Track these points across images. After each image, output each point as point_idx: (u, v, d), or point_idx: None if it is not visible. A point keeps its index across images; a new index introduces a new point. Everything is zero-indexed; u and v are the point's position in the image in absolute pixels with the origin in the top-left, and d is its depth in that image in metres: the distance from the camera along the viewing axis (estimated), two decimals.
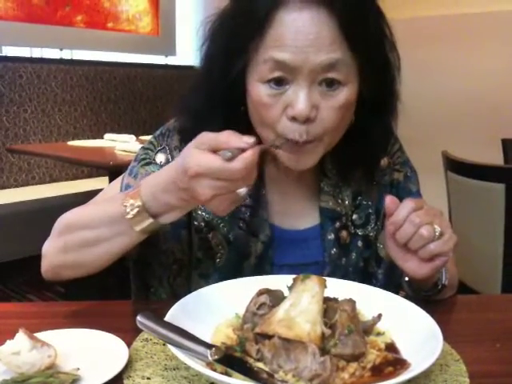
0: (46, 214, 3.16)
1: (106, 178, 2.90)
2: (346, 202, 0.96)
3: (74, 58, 3.70)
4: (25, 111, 3.35)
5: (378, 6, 0.85)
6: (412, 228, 0.76)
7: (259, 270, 0.92)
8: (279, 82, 0.80)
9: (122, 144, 2.76)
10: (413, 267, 0.79)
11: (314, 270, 0.94)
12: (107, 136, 3.12)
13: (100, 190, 3.23)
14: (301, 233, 0.97)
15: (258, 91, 0.82)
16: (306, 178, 0.98)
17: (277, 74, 0.80)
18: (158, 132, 0.98)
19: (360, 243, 0.96)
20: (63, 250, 0.87)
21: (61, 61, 3.59)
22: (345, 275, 0.94)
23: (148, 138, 3.21)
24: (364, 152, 0.94)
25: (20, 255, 3.05)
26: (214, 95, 0.89)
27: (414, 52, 3.59)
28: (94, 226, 0.82)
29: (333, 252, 0.94)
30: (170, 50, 4.28)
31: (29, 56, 3.50)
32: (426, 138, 3.46)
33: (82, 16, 3.79)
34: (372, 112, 0.89)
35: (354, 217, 0.97)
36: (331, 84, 0.80)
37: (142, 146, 1.00)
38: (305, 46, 0.77)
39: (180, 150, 0.91)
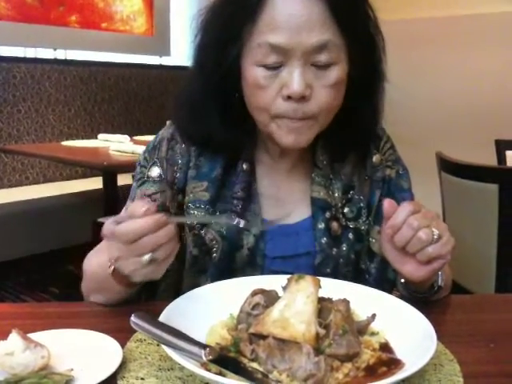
0: (39, 214, 3.17)
1: (100, 179, 2.90)
2: (336, 194, 0.98)
3: (68, 58, 3.68)
4: (18, 111, 3.34)
5: None
6: (410, 231, 0.76)
7: (251, 262, 0.94)
8: (274, 65, 0.83)
9: (116, 144, 2.76)
10: (411, 270, 0.80)
11: (306, 260, 0.96)
12: (101, 136, 3.11)
13: (94, 191, 3.24)
14: (293, 225, 0.98)
15: (255, 74, 0.85)
16: (297, 170, 0.99)
17: (272, 57, 0.83)
18: (150, 145, 1.00)
19: (351, 236, 0.97)
20: (85, 291, 0.94)
21: (55, 61, 3.58)
22: (335, 266, 0.95)
23: (142, 138, 3.19)
24: (354, 137, 0.97)
25: (14, 256, 3.03)
26: (208, 85, 0.91)
27: (408, 53, 3.60)
28: (94, 278, 0.88)
29: (323, 241, 0.95)
30: (165, 50, 4.28)
31: (23, 56, 3.48)
32: (419, 138, 3.47)
33: (76, 16, 3.78)
34: (360, 93, 0.91)
35: (346, 210, 0.98)
36: (323, 65, 0.83)
37: (138, 160, 1.01)
38: (297, 28, 0.80)
39: (167, 160, 0.95)
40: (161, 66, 4.21)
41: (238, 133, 0.93)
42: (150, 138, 3.24)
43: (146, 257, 0.70)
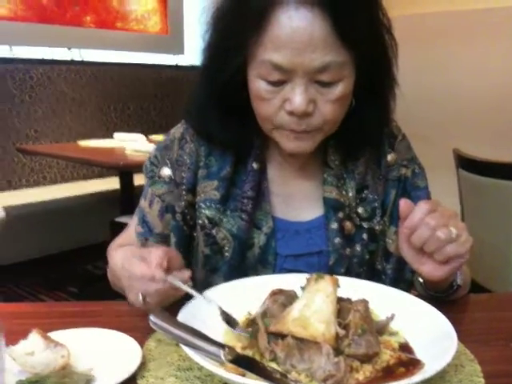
0: (57, 214, 3.20)
1: (117, 178, 2.92)
2: (350, 194, 0.97)
3: (84, 59, 3.71)
4: (35, 112, 3.37)
5: None
6: (428, 231, 0.75)
7: (263, 260, 0.94)
8: (277, 81, 0.83)
9: (132, 143, 2.77)
10: (429, 270, 0.79)
11: (318, 259, 0.96)
12: (117, 135, 3.13)
13: (111, 190, 3.25)
14: (304, 224, 0.98)
15: (258, 86, 0.85)
16: (308, 170, 0.99)
17: (275, 75, 0.82)
18: (162, 144, 1.01)
19: (365, 235, 0.96)
20: (110, 279, 0.98)
21: (71, 61, 3.61)
22: (349, 266, 0.95)
23: (158, 137, 3.19)
24: (365, 137, 0.96)
25: (32, 256, 3.07)
26: (215, 86, 0.91)
27: (424, 48, 3.57)
28: (113, 273, 0.93)
29: (336, 241, 0.95)
30: (179, 48, 4.29)
31: (39, 56, 3.51)
32: (435, 135, 3.44)
33: (91, 16, 3.80)
34: (369, 95, 0.91)
35: (360, 210, 0.97)
36: (327, 82, 0.82)
37: (150, 155, 1.02)
38: (300, 49, 0.79)
39: (177, 160, 0.97)
40: (175, 65, 4.22)
41: (246, 132, 0.93)
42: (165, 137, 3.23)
43: (139, 298, 0.76)
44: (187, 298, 0.77)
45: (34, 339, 0.69)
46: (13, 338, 0.68)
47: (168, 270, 0.75)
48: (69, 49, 3.63)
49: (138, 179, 2.69)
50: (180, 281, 0.75)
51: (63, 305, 1.33)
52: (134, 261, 0.77)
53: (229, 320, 0.75)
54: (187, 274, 0.78)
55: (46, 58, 3.51)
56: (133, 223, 1.03)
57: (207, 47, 0.91)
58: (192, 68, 4.11)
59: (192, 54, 4.25)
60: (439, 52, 3.65)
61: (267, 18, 0.79)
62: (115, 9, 3.92)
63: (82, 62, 3.66)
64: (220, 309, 0.75)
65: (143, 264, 0.76)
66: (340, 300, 0.69)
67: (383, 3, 0.88)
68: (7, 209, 2.91)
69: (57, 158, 3.06)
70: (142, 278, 0.75)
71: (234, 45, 0.84)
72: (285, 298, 0.72)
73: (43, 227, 3.11)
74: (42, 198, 3.11)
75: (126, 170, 2.75)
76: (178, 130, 1.01)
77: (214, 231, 0.95)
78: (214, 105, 0.92)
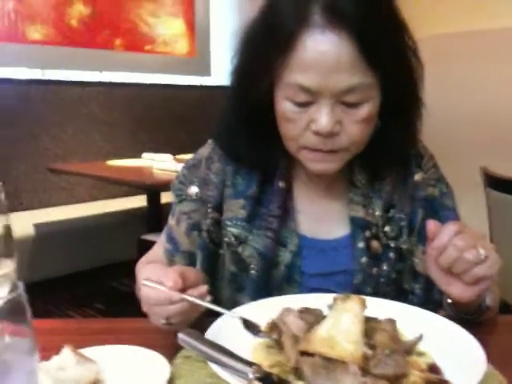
0: (86, 232, 3.25)
1: (144, 196, 2.96)
2: (377, 213, 0.97)
3: (113, 81, 3.79)
4: (65, 132, 3.45)
5: (397, 19, 0.87)
6: (456, 252, 0.75)
7: (289, 278, 0.94)
8: (303, 102, 0.84)
9: (160, 163, 2.81)
10: (457, 291, 0.78)
11: (345, 278, 0.95)
12: (145, 155, 3.18)
13: (138, 208, 3.28)
14: (331, 242, 0.98)
15: (284, 107, 0.86)
16: (335, 189, 0.99)
17: (301, 96, 0.83)
18: (189, 163, 1.03)
19: (392, 255, 0.96)
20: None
21: (100, 83, 3.69)
22: (376, 285, 0.94)
23: (185, 156, 3.23)
24: (391, 157, 0.96)
25: (61, 273, 3.11)
26: (242, 107, 0.93)
27: (450, 68, 3.56)
28: None
29: (363, 260, 0.94)
30: (206, 70, 4.36)
31: (70, 79, 3.60)
32: (463, 154, 3.40)
33: (121, 39, 3.90)
34: (395, 116, 0.91)
35: (387, 229, 0.97)
36: (353, 103, 0.83)
37: (178, 174, 1.04)
38: (326, 71, 0.80)
39: (204, 179, 0.98)
40: (202, 86, 4.28)
41: (273, 152, 0.94)
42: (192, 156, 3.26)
43: (162, 320, 0.78)
44: (213, 314, 0.78)
45: (66, 355, 0.70)
46: (44, 353, 0.70)
47: (184, 289, 0.76)
48: (100, 72, 3.72)
49: (165, 197, 2.72)
50: (198, 297, 0.76)
51: (93, 321, 1.35)
52: (146, 289, 0.78)
53: (251, 327, 0.75)
54: (204, 289, 0.78)
55: (76, 80, 3.60)
56: (161, 240, 1.05)
57: (235, 70, 0.93)
58: (219, 89, 4.16)
59: (218, 75, 4.31)
60: (466, 71, 3.63)
61: (294, 41, 0.81)
62: (144, 32, 4.01)
63: (111, 84, 3.74)
64: (241, 318, 0.76)
65: (155, 290, 0.77)
66: (367, 320, 0.69)
67: (409, 25, 0.89)
68: (37, 226, 2.97)
69: (86, 177, 3.12)
70: (160, 302, 0.77)
71: (262, 68, 0.86)
72: (311, 317, 0.72)
73: (71, 244, 3.16)
74: (71, 216, 3.17)
75: (153, 189, 2.79)
76: (205, 149, 1.03)
77: (240, 249, 0.96)
78: (242, 126, 0.94)
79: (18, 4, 3.43)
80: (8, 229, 0.66)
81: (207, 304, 0.77)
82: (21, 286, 0.53)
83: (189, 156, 3.30)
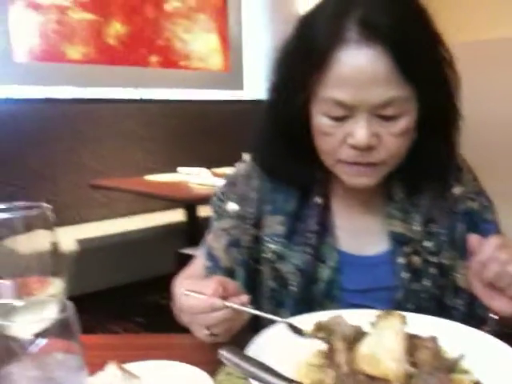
0: (125, 246, 3.30)
1: (182, 210, 2.99)
2: (417, 228, 0.96)
3: (149, 97, 3.87)
4: (104, 148, 3.53)
5: (432, 31, 0.86)
6: (498, 266, 0.74)
7: (328, 294, 0.94)
8: (339, 116, 0.84)
9: (196, 177, 2.85)
10: (501, 305, 0.77)
11: (386, 294, 0.95)
12: (181, 169, 3.22)
13: (176, 222, 3.31)
14: (370, 258, 0.97)
15: (320, 122, 0.86)
16: (372, 203, 0.99)
17: (337, 111, 0.83)
18: (227, 180, 1.05)
19: (433, 270, 0.95)
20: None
21: (137, 100, 3.77)
22: (418, 301, 0.93)
23: (220, 170, 3.25)
24: (429, 170, 0.95)
25: (101, 287, 3.17)
26: (278, 124, 0.94)
27: (487, 75, 3.49)
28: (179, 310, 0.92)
29: (404, 276, 0.94)
30: (238, 84, 4.41)
31: (108, 96, 3.69)
32: (502, 166, 3.33)
33: (156, 56, 3.98)
34: (433, 129, 0.90)
35: (427, 244, 0.95)
36: (390, 116, 0.83)
37: (216, 191, 1.05)
38: (362, 85, 0.80)
39: (242, 196, 0.99)
40: (235, 100, 4.32)
41: (309, 167, 0.95)
42: (227, 170, 3.29)
43: (205, 331, 0.78)
44: (254, 330, 0.79)
45: (111, 371, 0.72)
46: (89, 369, 0.71)
47: (225, 298, 0.77)
48: (136, 88, 3.80)
49: (203, 211, 2.75)
50: (240, 305, 0.77)
51: (136, 337, 1.37)
52: (186, 299, 0.79)
53: (297, 330, 0.76)
54: (245, 298, 0.79)
55: (114, 97, 3.70)
56: (200, 256, 1.06)
57: (272, 87, 0.94)
58: (251, 102, 4.20)
59: (251, 89, 4.35)
60: (503, 78, 3.56)
61: (329, 56, 0.81)
62: (179, 49, 4.09)
63: (147, 100, 3.82)
64: (286, 322, 0.76)
65: (196, 299, 0.78)
66: (409, 337, 0.69)
67: (444, 32, 0.88)
68: (78, 241, 3.04)
69: (125, 192, 3.18)
70: (202, 310, 0.77)
71: (298, 83, 0.86)
72: (352, 334, 0.72)
73: (111, 259, 3.22)
74: (111, 231, 3.23)
75: (190, 203, 2.82)
76: (243, 166, 1.04)
77: (279, 265, 0.96)
78: (278, 142, 0.95)
79: (59, 25, 3.55)
80: (56, 246, 0.68)
81: (251, 310, 0.77)
82: (70, 306, 0.55)
83: (224, 169, 3.32)
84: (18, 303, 0.64)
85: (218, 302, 0.76)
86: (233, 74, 4.37)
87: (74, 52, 3.62)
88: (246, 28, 4.39)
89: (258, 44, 4.37)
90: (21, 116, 3.25)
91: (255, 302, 0.97)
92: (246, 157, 1.05)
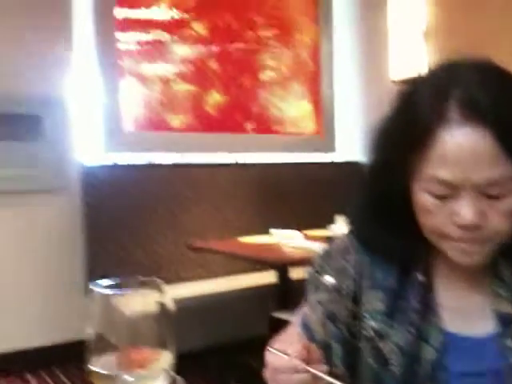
0: (218, 307, 3.36)
1: (272, 272, 3.01)
2: None
3: (244, 161, 4.01)
4: (201, 210, 3.68)
5: None
6: None
7: (433, 377, 0.89)
8: (443, 195, 0.82)
9: (288, 239, 2.87)
10: None
11: (493, 379, 0.88)
12: (273, 231, 3.27)
13: (268, 284, 3.35)
14: (476, 339, 0.91)
15: (423, 199, 0.84)
16: (478, 282, 0.93)
17: (440, 189, 0.82)
18: (324, 252, 1.03)
19: None
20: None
21: (232, 164, 3.93)
22: None
23: (312, 232, 3.26)
24: None
25: (195, 348, 3.21)
26: (378, 199, 0.93)
27: None
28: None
29: None
30: (331, 147, 4.47)
31: (204, 161, 3.88)
32: None
33: (252, 123, 4.16)
34: None
35: None
36: (495, 196, 0.80)
37: (313, 262, 1.04)
38: (466, 166, 0.79)
39: (340, 270, 0.97)
40: (327, 163, 4.37)
41: (410, 243, 0.92)
42: (319, 232, 3.30)
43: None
44: None
45: None
46: None
47: (308, 362, 0.77)
48: (231, 152, 3.97)
49: (295, 273, 2.76)
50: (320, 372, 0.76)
51: None
52: (272, 357, 0.80)
53: None
54: (325, 368, 0.78)
55: (211, 161, 3.88)
56: (294, 324, 1.04)
57: (371, 163, 0.94)
58: (343, 165, 4.23)
59: (343, 151, 4.39)
60: None
61: (432, 136, 0.81)
62: (273, 115, 4.25)
63: (242, 164, 3.97)
64: None
65: (279, 359, 0.78)
66: None
67: None
68: (176, 301, 3.13)
69: (220, 254, 3.27)
70: (284, 370, 0.78)
71: (399, 161, 0.86)
72: None
73: (204, 319, 3.27)
74: (205, 291, 3.31)
75: (282, 265, 2.84)
76: (341, 239, 1.02)
77: (380, 344, 0.92)
78: (378, 216, 0.94)
79: (163, 96, 3.83)
80: (165, 311, 0.72)
81: (331, 379, 0.76)
82: (180, 381, 0.56)
83: (316, 232, 3.33)
84: (129, 378, 0.67)
85: (301, 366, 0.76)
86: (325, 136, 4.45)
87: (176, 120, 3.88)
88: (338, 90, 4.49)
89: (351, 106, 4.45)
90: (125, 180, 3.50)
91: (353, 380, 0.95)
92: (339, 219, 1.06)
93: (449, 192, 0.81)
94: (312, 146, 4.37)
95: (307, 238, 2.87)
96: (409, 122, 0.85)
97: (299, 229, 3.12)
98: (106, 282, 0.71)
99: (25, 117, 3.33)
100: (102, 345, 0.68)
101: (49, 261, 3.39)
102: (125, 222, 3.44)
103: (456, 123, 0.79)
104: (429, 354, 0.89)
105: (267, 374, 0.83)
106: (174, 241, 3.53)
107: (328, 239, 2.34)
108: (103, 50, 3.57)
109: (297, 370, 0.76)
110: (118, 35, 3.66)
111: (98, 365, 0.68)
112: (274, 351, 0.80)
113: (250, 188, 3.90)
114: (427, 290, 0.92)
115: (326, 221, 3.05)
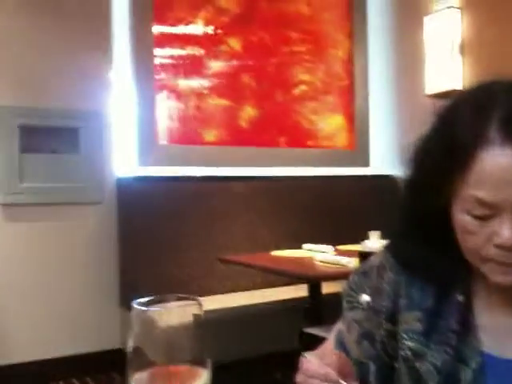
0: (248, 320, 3.35)
1: (305, 286, 3.00)
2: None
3: (278, 174, 4.03)
4: (233, 223, 3.70)
5: None
6: None
7: None
8: (483, 216, 0.82)
9: (320, 254, 2.86)
10: None
11: None
12: (306, 246, 3.26)
13: (299, 298, 3.34)
14: None
15: (463, 220, 0.84)
16: None
17: (480, 210, 0.81)
18: (360, 270, 1.03)
19: None
20: None
21: (265, 177, 3.95)
22: None
23: (345, 247, 3.24)
24: None
25: (224, 361, 3.21)
26: (416, 219, 0.92)
27: None
28: None
29: None
30: (365, 161, 4.44)
31: (238, 174, 3.91)
32: None
33: (285, 137, 4.18)
34: None
35: None
36: None
37: (349, 280, 1.04)
38: (506, 186, 0.78)
39: (376, 288, 0.96)
40: (361, 176, 4.34)
41: (449, 263, 0.91)
42: (352, 247, 3.27)
43: None
44: None
45: None
46: None
47: (340, 374, 0.78)
48: (264, 166, 3.99)
49: (327, 288, 2.74)
50: None
51: None
52: (307, 362, 0.81)
53: None
54: (356, 383, 0.79)
55: (244, 175, 3.91)
56: (330, 341, 1.04)
57: (409, 182, 0.94)
58: (377, 178, 4.20)
59: (377, 165, 4.36)
60: None
61: (472, 157, 0.80)
62: (306, 129, 4.26)
63: (275, 178, 3.98)
64: None
65: (314, 363, 0.79)
66: None
67: None
68: (206, 313, 3.15)
69: (251, 268, 3.28)
70: (316, 376, 0.78)
71: (438, 180, 0.86)
72: None
73: (234, 332, 3.27)
74: (235, 304, 3.31)
75: (314, 280, 2.83)
76: (377, 257, 1.02)
77: (417, 364, 0.91)
78: (415, 235, 0.93)
79: (197, 111, 3.89)
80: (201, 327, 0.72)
81: None
82: None
83: (349, 247, 3.29)
84: None
85: (333, 375, 0.77)
86: (359, 150, 4.43)
87: (209, 134, 3.93)
88: (373, 104, 4.47)
89: (385, 119, 4.42)
90: (158, 193, 3.55)
91: None
92: (373, 234, 1.05)
93: (489, 213, 0.81)
94: (345, 160, 4.36)
95: (340, 252, 2.86)
96: (449, 143, 0.84)
97: (332, 244, 3.11)
98: (145, 298, 0.73)
99: (63, 130, 3.42)
100: (141, 360, 0.70)
101: (86, 272, 3.47)
102: (157, 235, 3.49)
103: (497, 144, 0.79)
104: (466, 375, 0.87)
105: (299, 378, 0.84)
106: (205, 254, 3.56)
107: (360, 254, 2.32)
108: (140, 65, 3.66)
109: (329, 379, 0.77)
110: (155, 51, 3.74)
111: (136, 380, 0.69)
112: (309, 357, 0.81)
113: (283, 202, 3.90)
114: (466, 311, 0.91)
115: (359, 236, 3.03)
